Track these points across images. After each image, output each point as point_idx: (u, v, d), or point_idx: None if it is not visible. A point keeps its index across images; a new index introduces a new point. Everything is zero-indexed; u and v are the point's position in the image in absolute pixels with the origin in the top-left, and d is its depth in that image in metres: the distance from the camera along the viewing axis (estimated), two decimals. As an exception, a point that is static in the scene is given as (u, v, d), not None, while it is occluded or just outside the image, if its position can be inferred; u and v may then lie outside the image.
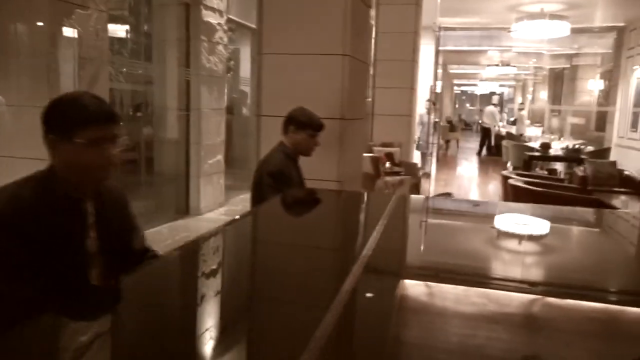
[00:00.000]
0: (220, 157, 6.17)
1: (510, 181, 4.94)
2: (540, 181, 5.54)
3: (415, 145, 9.14)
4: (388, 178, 4.77)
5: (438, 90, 8.15)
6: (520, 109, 15.71)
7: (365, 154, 4.86)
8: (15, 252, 1.19)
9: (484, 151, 15.15)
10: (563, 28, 8.61)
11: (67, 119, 1.24)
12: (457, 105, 34.60)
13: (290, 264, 1.36)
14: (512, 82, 27.52)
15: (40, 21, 3.56)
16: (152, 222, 5.39)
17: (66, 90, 3.61)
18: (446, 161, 13.66)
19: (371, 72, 6.48)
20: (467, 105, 35.28)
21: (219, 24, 5.87)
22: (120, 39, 6.74)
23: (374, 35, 6.57)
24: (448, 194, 4.48)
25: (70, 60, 3.71)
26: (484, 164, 13.49)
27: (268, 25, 3.14)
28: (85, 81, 3.88)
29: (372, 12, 6.40)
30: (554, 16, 8.37)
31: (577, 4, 8.15)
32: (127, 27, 6.71)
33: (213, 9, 5.71)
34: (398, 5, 6.95)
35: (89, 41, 3.82)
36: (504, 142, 11.02)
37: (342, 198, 2.58)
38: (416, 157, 9.00)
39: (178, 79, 5.68)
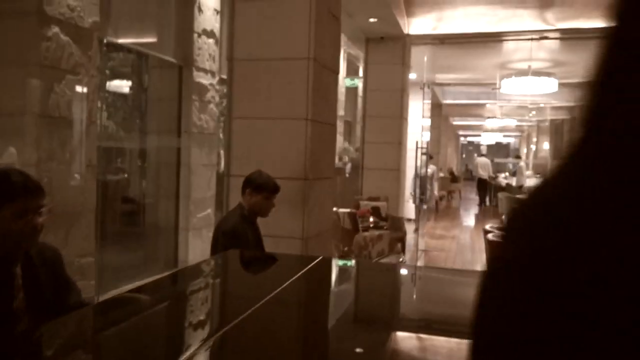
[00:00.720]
0: (210, 210, 6.32)
1: (489, 236, 5.00)
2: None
3: (411, 199, 9.26)
4: (366, 233, 4.86)
5: (425, 142, 8.32)
6: (518, 160, 15.80)
7: (342, 210, 4.97)
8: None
9: (487, 202, 15.17)
10: (551, 84, 8.84)
11: (-6, 194, 1.40)
12: (464, 156, 34.83)
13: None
14: (518, 133, 27.80)
15: (33, 85, 3.82)
16: (141, 274, 5.49)
17: (52, 150, 3.84)
18: (447, 213, 13.69)
19: (359, 128, 6.70)
20: (475, 155, 35.51)
21: (210, 84, 6.16)
22: (121, 95, 7.07)
23: (360, 93, 6.83)
24: (399, 258, 4.37)
25: (59, 122, 3.94)
26: (484, 216, 13.49)
27: (237, 91, 3.35)
28: (75, 139, 4.12)
29: (360, 71, 6.66)
30: (540, 73, 8.63)
31: (562, 62, 8.41)
32: (128, 84, 7.06)
33: (205, 70, 6.02)
34: (386, 65, 7.25)
35: (77, 103, 4.07)
36: (500, 194, 11.09)
37: (266, 261, 2.58)
38: (411, 211, 9.10)
39: (169, 136, 5.92)
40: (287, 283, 1.67)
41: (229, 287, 1.98)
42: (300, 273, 1.92)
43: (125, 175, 6.53)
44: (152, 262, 5.88)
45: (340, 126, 11.00)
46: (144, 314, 1.56)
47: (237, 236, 2.52)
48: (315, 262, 2.11)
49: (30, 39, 3.73)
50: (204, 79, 6.00)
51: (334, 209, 4.65)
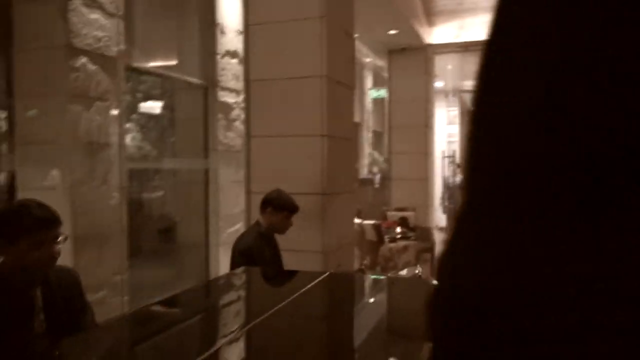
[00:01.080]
0: (239, 226, 6.43)
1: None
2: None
3: (441, 209, 9.18)
4: (392, 244, 4.85)
5: (452, 150, 8.24)
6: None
7: (367, 222, 4.98)
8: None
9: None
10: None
11: (13, 227, 1.50)
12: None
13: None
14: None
15: (64, 113, 4.02)
16: (173, 289, 5.64)
17: (84, 174, 4.03)
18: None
19: (387, 139, 6.71)
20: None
21: (235, 102, 6.31)
22: (152, 117, 7.35)
23: (387, 103, 6.86)
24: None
25: (89, 147, 4.13)
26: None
27: (254, 110, 3.44)
28: (105, 163, 4.30)
29: (386, 83, 6.68)
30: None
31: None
32: (157, 106, 7.33)
33: (230, 90, 6.17)
34: (409, 75, 7.26)
35: (106, 128, 4.26)
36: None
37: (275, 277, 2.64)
38: (443, 220, 9.01)
39: (197, 154, 6.09)
40: (288, 300, 1.71)
41: (228, 304, 2.04)
42: (304, 289, 1.97)
43: (157, 194, 6.73)
44: (184, 277, 6.02)
45: (369, 137, 11.02)
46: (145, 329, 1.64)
47: (252, 255, 2.59)
48: (321, 277, 2.15)
49: (60, 70, 3.93)
50: (229, 98, 6.15)
51: (358, 221, 4.67)
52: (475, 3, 6.68)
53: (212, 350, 1.38)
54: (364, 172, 10.60)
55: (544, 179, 0.29)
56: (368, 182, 9.09)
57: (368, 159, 9.64)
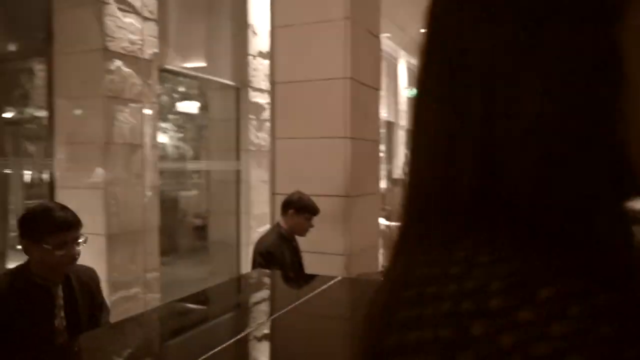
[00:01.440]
0: (269, 225, 6.51)
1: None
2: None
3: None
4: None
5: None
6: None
7: (394, 223, 4.94)
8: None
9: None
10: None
11: (38, 227, 1.58)
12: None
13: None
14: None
15: (99, 115, 4.16)
16: (205, 287, 5.76)
17: (114, 174, 4.16)
18: None
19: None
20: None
21: (267, 103, 6.38)
22: (187, 117, 7.53)
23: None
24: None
25: (123, 147, 4.27)
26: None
27: (279, 112, 3.48)
28: (139, 163, 4.44)
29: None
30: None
31: None
32: (191, 108, 7.50)
33: (261, 90, 6.24)
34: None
35: (139, 129, 4.39)
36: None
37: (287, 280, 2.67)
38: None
39: (229, 154, 6.20)
40: (294, 304, 1.73)
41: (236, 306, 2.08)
42: (312, 294, 1.98)
43: (191, 193, 6.89)
44: (216, 275, 6.13)
45: (401, 136, 10.91)
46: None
47: (272, 256, 2.62)
48: (333, 282, 2.15)
49: (96, 73, 4.07)
50: (260, 99, 6.22)
51: (386, 222, 4.65)
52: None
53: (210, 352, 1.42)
54: (397, 172, 10.49)
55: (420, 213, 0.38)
56: (402, 182, 9.00)
57: (402, 159, 9.57)
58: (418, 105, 0.42)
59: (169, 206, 7.37)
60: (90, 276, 1.79)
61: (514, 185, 0.34)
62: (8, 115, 5.78)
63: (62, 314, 1.64)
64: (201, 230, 6.35)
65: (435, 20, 0.41)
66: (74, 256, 1.60)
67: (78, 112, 4.16)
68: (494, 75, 0.35)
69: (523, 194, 0.34)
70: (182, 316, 1.84)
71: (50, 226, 1.57)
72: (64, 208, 1.64)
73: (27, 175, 5.45)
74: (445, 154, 0.37)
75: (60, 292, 1.65)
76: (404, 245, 0.39)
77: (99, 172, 4.11)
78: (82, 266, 1.77)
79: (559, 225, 0.33)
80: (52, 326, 1.62)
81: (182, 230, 7.45)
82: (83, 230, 3.85)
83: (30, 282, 1.60)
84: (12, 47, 5.06)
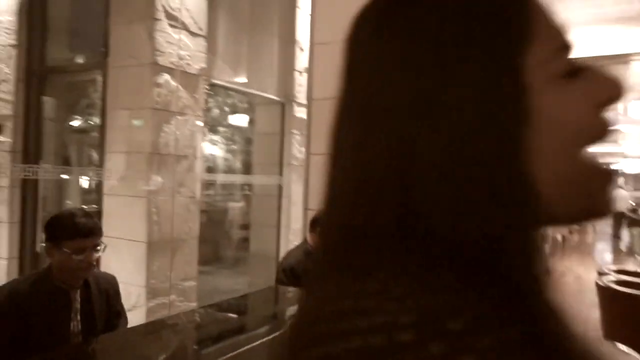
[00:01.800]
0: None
1: (603, 279, 4.45)
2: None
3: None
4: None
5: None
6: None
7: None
8: (11, 333, 1.58)
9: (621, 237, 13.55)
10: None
11: (59, 231, 1.65)
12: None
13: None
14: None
15: (146, 126, 4.33)
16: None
17: (158, 184, 4.30)
18: (579, 250, 12.43)
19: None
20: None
21: (311, 118, 6.43)
22: (235, 130, 7.70)
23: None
24: None
25: (167, 158, 4.41)
26: (616, 254, 12.02)
27: (314, 128, 3.49)
28: (181, 173, 4.57)
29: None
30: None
31: None
32: (239, 122, 7.67)
33: (305, 105, 6.31)
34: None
35: (184, 141, 4.53)
36: (633, 230, 9.85)
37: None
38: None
39: (272, 168, 6.28)
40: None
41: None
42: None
43: (236, 204, 7.01)
44: (254, 286, 6.19)
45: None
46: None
47: (295, 274, 2.61)
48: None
49: (145, 86, 4.25)
50: (304, 114, 6.28)
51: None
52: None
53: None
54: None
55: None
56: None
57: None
58: (334, 138, 0.44)
59: (215, 217, 7.54)
60: (109, 283, 1.85)
61: (429, 217, 0.35)
62: (75, 123, 6.13)
63: (78, 317, 1.70)
64: (243, 242, 6.44)
65: (352, 62, 0.45)
66: (91, 262, 1.66)
67: (127, 123, 4.35)
68: (406, 118, 0.37)
69: (437, 226, 0.35)
70: (215, 324, 1.87)
71: (71, 231, 1.63)
72: (87, 215, 1.71)
73: (85, 181, 5.73)
74: (362, 187, 0.38)
75: (78, 297, 1.71)
76: (319, 275, 0.39)
77: (143, 182, 4.26)
78: (103, 273, 1.83)
79: (471, 255, 0.34)
80: (68, 329, 1.68)
81: (226, 241, 7.59)
82: (124, 236, 3.97)
83: (51, 284, 1.67)
84: (79, 59, 5.37)
